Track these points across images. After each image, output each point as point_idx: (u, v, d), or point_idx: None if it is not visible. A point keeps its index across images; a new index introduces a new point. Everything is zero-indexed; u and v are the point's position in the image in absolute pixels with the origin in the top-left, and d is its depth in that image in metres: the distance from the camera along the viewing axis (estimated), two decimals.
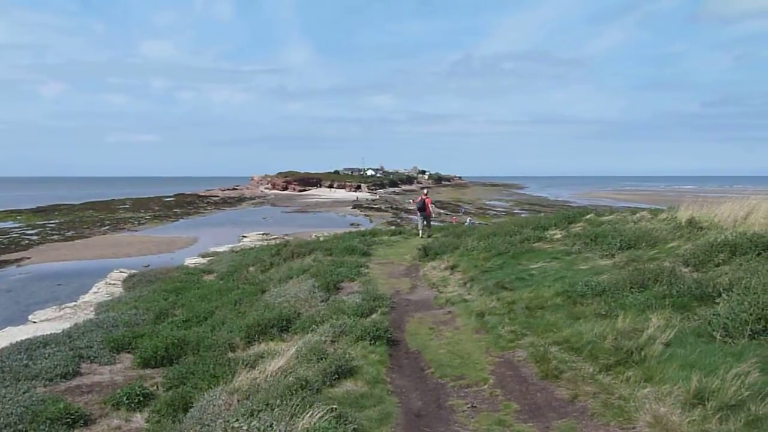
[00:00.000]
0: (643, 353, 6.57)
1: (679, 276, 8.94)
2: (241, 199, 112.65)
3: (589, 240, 13.69)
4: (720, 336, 6.45)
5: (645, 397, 5.75)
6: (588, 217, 17.64)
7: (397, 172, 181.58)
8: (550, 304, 9.52)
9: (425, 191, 25.32)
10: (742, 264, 8.78)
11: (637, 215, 16.36)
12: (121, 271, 25.19)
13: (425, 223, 23.95)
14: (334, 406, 5.80)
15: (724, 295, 7.30)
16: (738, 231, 10.75)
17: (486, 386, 7.05)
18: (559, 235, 15.68)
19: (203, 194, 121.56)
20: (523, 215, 57.18)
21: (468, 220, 45.95)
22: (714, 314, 6.92)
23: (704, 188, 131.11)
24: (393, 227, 39.55)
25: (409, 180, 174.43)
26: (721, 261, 9.38)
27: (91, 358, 11.09)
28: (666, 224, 13.80)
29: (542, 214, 29.78)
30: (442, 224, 37.67)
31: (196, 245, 42.91)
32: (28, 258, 38.11)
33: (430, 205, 24.17)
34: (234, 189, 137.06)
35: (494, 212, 75.92)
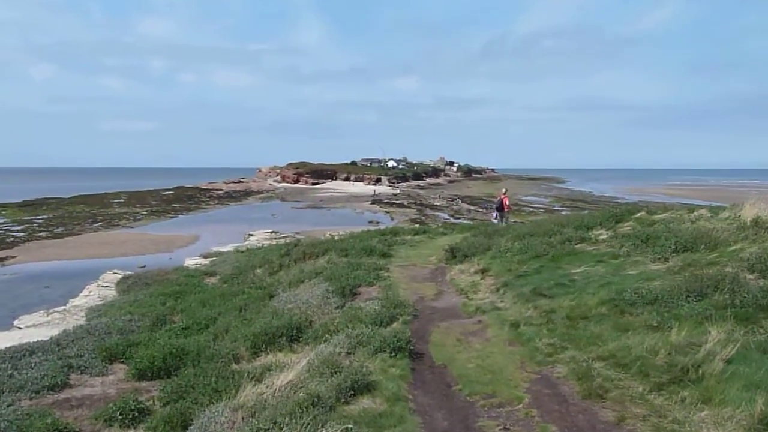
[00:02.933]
0: (700, 371, 6.49)
1: (742, 283, 8.80)
2: (247, 193, 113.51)
3: (639, 241, 13.56)
4: None
5: (702, 421, 5.69)
6: (638, 215, 17.47)
7: (421, 163, 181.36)
8: (594, 314, 9.45)
9: (504, 191, 29.80)
10: None
11: (695, 214, 16.16)
12: (114, 273, 25.57)
13: (501, 218, 27.96)
14: (350, 426, 5.82)
15: None
16: None
17: (520, 406, 7.02)
18: (605, 236, 15.55)
19: (205, 187, 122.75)
20: (564, 213, 56.77)
21: (495, 216, 45.64)
22: None
23: None
24: (416, 225, 39.57)
25: (435, 172, 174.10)
26: None
27: (82, 368, 11.27)
28: (728, 224, 13.61)
29: (586, 212, 29.55)
30: (471, 222, 37.55)
31: (197, 244, 43.42)
32: (14, 257, 38.81)
33: (507, 203, 28.62)
34: (240, 182, 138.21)
35: (531, 209, 75.47)
